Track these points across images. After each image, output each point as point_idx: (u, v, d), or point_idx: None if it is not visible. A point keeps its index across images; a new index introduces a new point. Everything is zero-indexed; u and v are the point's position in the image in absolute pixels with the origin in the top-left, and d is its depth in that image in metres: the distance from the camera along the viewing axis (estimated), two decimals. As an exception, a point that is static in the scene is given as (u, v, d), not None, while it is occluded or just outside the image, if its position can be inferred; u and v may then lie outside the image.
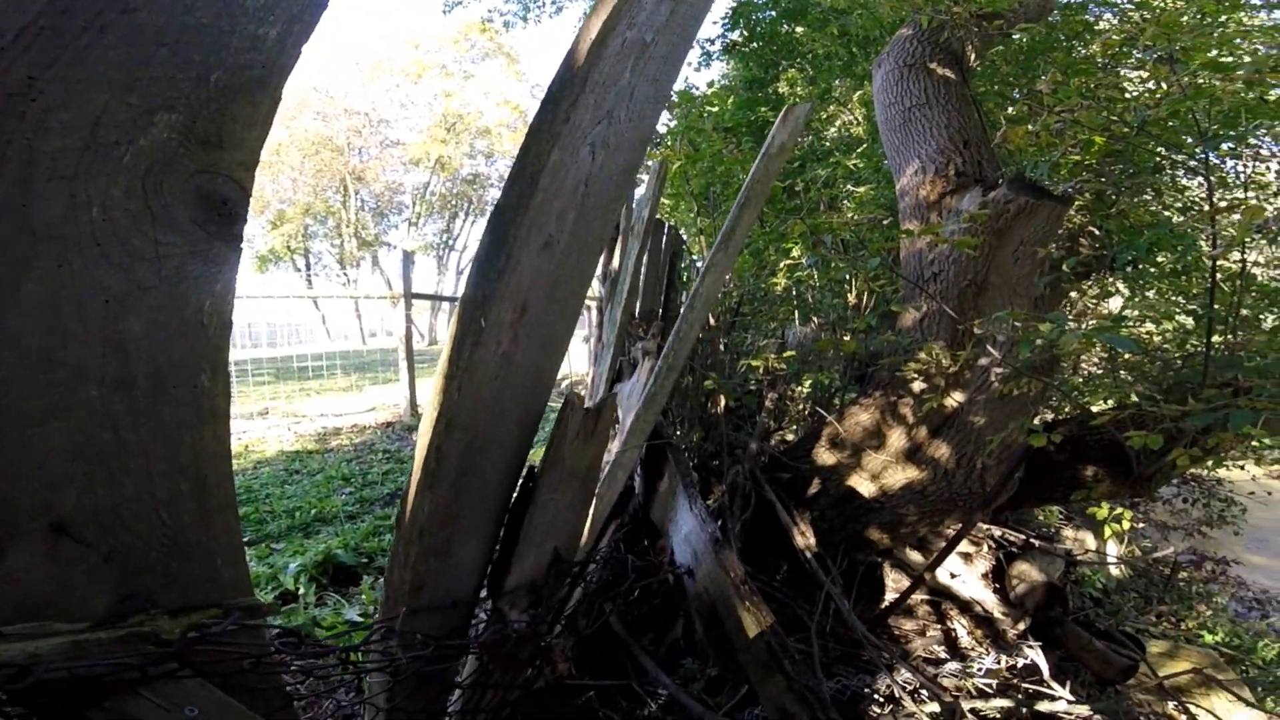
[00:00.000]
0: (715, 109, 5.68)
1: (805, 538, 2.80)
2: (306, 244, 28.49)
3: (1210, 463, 2.65)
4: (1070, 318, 2.84)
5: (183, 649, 0.70)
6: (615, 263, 2.80)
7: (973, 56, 3.23)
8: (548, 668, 1.53)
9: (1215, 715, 2.65)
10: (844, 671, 2.35)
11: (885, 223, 3.29)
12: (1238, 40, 2.26)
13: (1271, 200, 2.45)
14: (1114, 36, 2.65)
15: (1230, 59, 2.18)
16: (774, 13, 6.83)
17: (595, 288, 3.48)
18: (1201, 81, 1.93)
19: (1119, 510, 2.65)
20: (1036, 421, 2.82)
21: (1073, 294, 3.01)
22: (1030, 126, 2.13)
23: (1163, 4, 2.97)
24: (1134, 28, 2.45)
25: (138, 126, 0.65)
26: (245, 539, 3.49)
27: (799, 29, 6.21)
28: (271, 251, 27.45)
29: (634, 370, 2.45)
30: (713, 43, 7.44)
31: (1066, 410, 2.81)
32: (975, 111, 2.92)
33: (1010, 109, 3.64)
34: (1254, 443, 2.72)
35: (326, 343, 21.38)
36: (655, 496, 2.18)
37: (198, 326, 0.72)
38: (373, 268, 29.55)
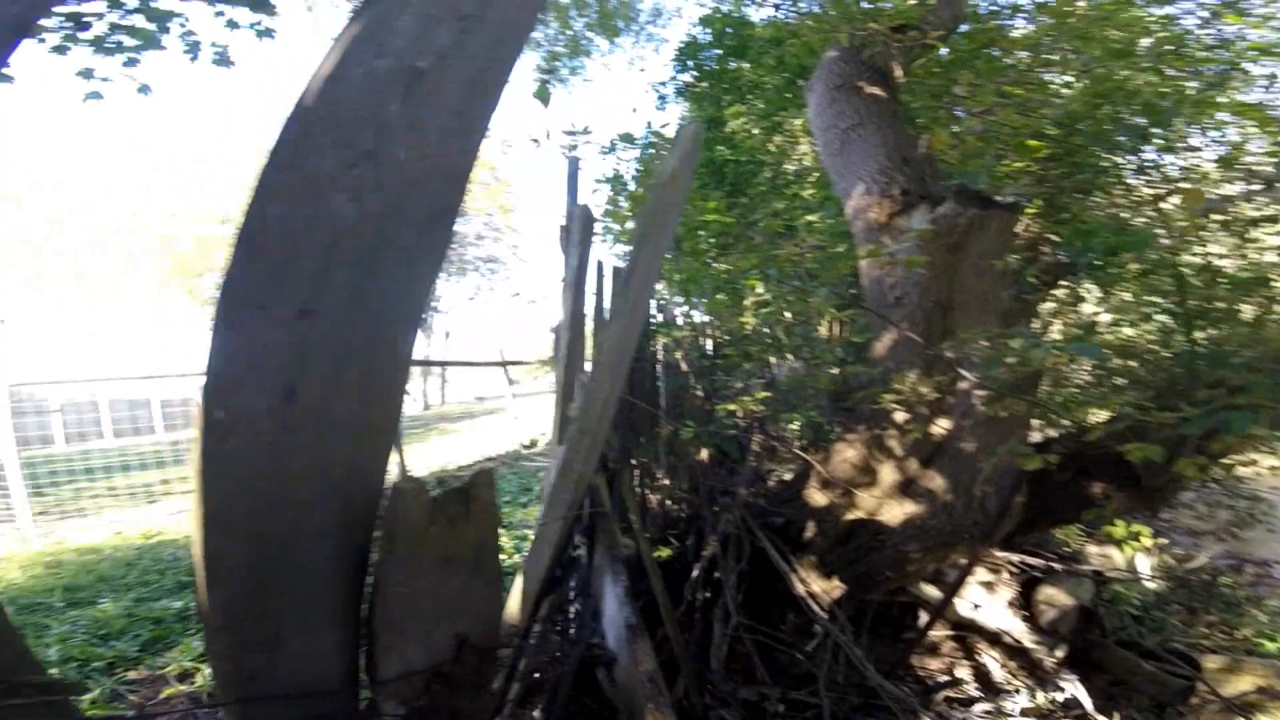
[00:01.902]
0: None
1: (806, 584, 2.64)
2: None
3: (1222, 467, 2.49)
4: (1042, 329, 2.73)
5: None
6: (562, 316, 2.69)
7: (899, 72, 3.20)
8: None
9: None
10: (863, 722, 2.12)
11: (841, 249, 3.20)
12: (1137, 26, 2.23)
13: (1215, 190, 2.37)
14: (1027, 38, 2.63)
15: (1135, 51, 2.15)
16: (719, 51, 6.94)
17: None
18: (1118, 74, 1.86)
19: (1136, 527, 2.48)
20: (1036, 440, 2.67)
21: (1047, 303, 2.90)
22: (954, 131, 2.06)
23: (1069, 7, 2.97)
24: (1045, 29, 2.43)
25: None
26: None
27: (745, 65, 6.29)
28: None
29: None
30: (665, 85, 7.55)
31: (1064, 426, 2.67)
32: (910, 127, 2.86)
33: (954, 126, 3.62)
34: (1264, 439, 2.56)
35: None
36: (594, 569, 2.02)
37: None
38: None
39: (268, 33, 3.62)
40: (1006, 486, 2.43)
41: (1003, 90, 2.13)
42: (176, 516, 6.31)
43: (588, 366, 2.56)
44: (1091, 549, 3.99)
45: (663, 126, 5.67)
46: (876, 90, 2.88)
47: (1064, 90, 2.85)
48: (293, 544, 0.93)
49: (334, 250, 0.88)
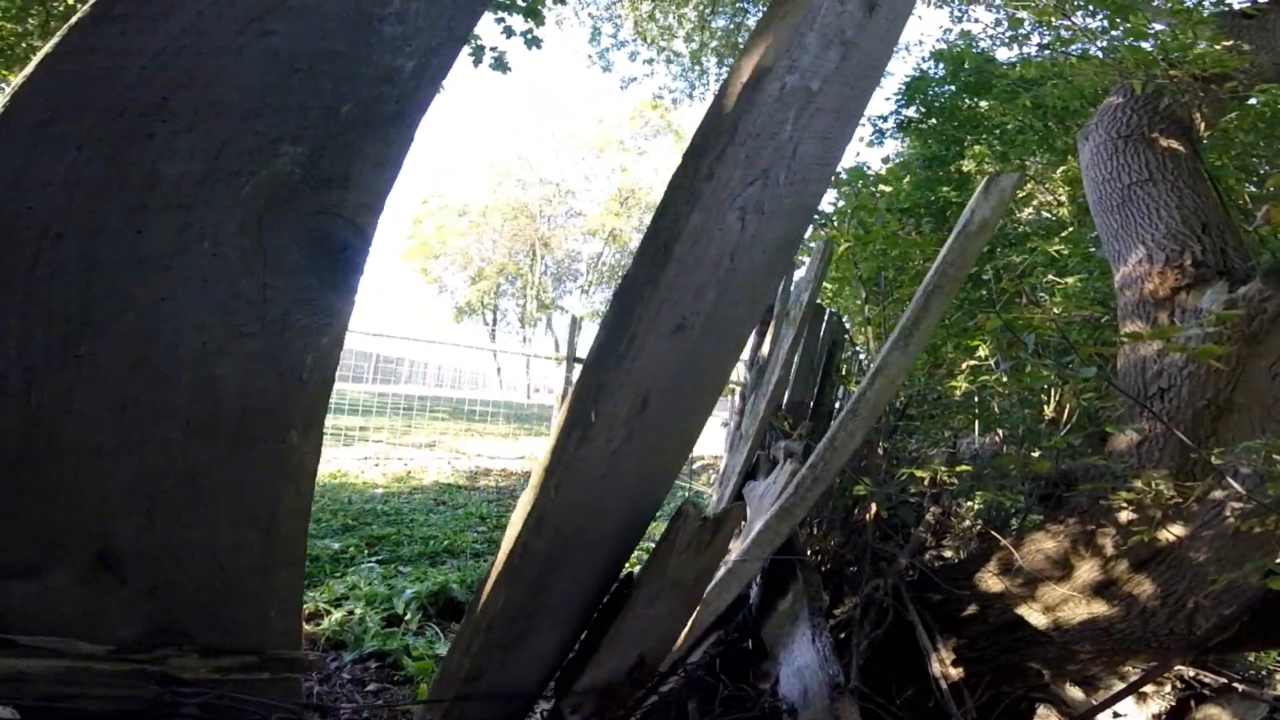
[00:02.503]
0: (889, 188, 5.41)
1: (945, 666, 2.41)
2: (496, 301, 31.43)
3: None
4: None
5: (175, 697, 0.66)
6: (765, 349, 2.64)
7: (1202, 125, 2.73)
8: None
9: None
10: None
11: (1102, 320, 2.77)
12: None
13: None
14: None
15: None
16: (953, 87, 6.49)
17: (739, 371, 3.34)
18: None
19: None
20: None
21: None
22: None
23: None
24: None
25: (261, 157, 0.61)
26: (379, 559, 3.70)
27: (983, 103, 5.81)
28: (468, 304, 30.81)
29: (771, 468, 2.25)
30: (885, 120, 7.22)
31: None
32: (1214, 189, 2.42)
33: (1253, 186, 3.02)
34: None
35: (497, 391, 23.19)
36: (771, 614, 1.93)
37: (296, 381, 0.67)
38: (546, 329, 31.86)
39: (536, 41, 4.01)
40: (1234, 603, 2.07)
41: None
42: (363, 462, 6.97)
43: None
44: (1281, 676, 3.25)
45: (887, 161, 5.41)
46: (1173, 143, 2.49)
47: None
48: (580, 548, 0.95)
49: (718, 267, 0.88)
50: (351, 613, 2.82)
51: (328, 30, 0.62)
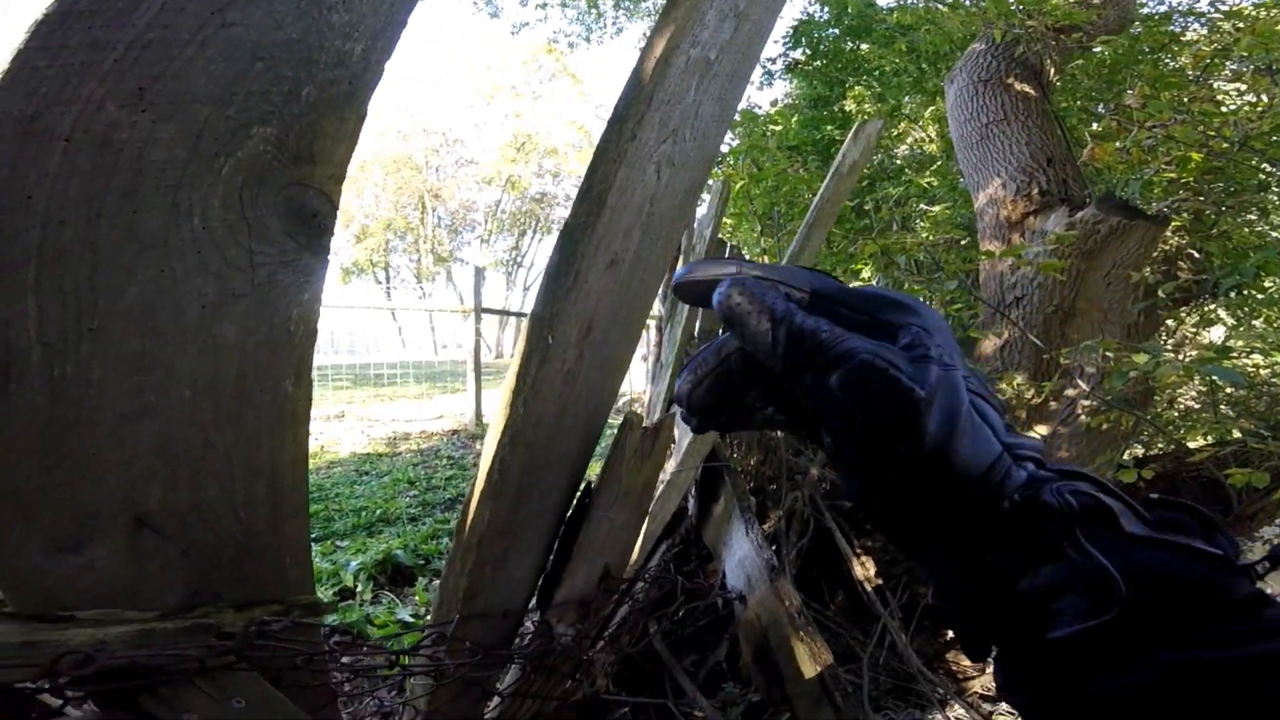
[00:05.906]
0: (779, 128, 5.63)
1: (865, 568, 2.70)
2: (387, 258, 29.71)
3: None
4: (1168, 348, 2.66)
5: (243, 643, 0.71)
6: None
7: (1052, 71, 3.09)
8: (587, 681, 1.52)
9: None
10: (893, 705, 2.28)
11: (963, 243, 3.13)
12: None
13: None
14: (1204, 48, 2.51)
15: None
16: (837, 30, 6.75)
17: (656, 306, 3.47)
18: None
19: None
20: (1126, 456, 2.65)
21: (1169, 322, 2.81)
22: (1119, 143, 2.02)
23: (1255, 14, 2.78)
24: (1226, 38, 2.33)
25: (235, 139, 0.67)
26: (313, 536, 3.54)
27: (864, 46, 6.11)
28: (355, 264, 28.88)
29: (692, 391, 2.40)
30: (774, 61, 7.42)
31: (1159, 445, 2.62)
32: (1058, 128, 2.78)
33: (1095, 125, 3.47)
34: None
35: (401, 352, 22.17)
36: (709, 519, 2.15)
37: (285, 334, 0.74)
38: (447, 282, 30.59)
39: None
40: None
41: (1180, 103, 2.06)
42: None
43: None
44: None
45: (775, 103, 5.60)
46: (1025, 87, 2.81)
47: (1235, 101, 2.71)
48: (548, 464, 1.07)
49: (640, 212, 1.06)
50: (299, 592, 2.77)
51: (283, 20, 0.68)
